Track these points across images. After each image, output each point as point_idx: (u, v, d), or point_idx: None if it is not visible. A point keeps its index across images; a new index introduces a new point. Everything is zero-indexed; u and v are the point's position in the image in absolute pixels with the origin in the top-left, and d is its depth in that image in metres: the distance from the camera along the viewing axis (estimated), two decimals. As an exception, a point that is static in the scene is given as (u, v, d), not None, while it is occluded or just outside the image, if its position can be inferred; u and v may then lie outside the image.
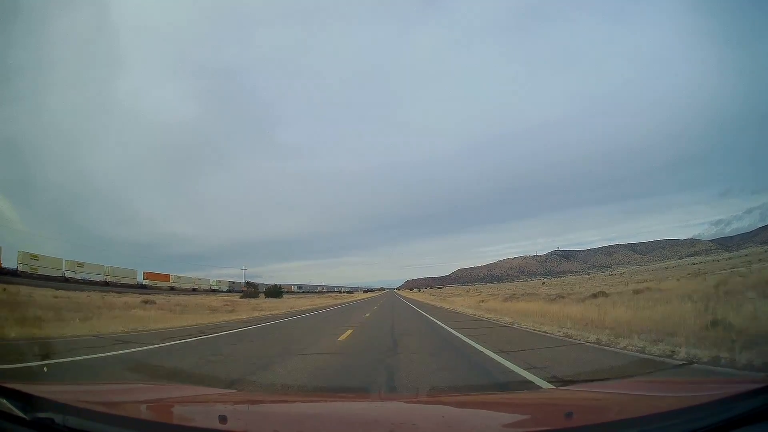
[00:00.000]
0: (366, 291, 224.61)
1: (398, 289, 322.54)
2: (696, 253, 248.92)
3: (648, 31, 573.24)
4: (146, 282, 60.20)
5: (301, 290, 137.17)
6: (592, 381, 4.48)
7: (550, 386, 4.33)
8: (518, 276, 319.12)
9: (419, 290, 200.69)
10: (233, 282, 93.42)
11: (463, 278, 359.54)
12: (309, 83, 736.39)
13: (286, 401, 2.80)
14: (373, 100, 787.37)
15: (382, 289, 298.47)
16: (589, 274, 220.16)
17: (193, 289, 68.33)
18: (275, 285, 68.69)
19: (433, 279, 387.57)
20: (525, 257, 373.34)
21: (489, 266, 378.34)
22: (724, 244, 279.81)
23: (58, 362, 6.05)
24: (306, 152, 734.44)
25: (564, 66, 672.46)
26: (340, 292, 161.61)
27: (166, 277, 67.34)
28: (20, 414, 1.38)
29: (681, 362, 5.11)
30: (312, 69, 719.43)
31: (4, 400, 1.40)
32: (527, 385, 4.57)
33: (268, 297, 52.70)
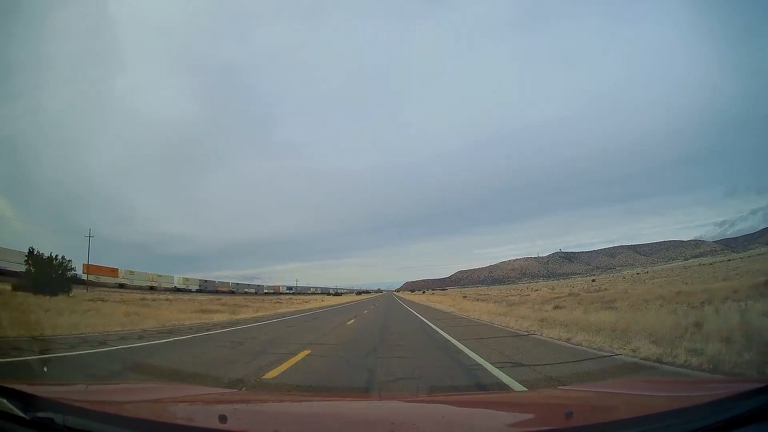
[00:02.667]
0: (359, 293, 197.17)
1: (397, 291, 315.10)
2: (701, 255, 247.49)
3: (650, 28, 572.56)
4: (86, 276, 50.51)
5: (291, 291, 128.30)
6: (591, 381, 4.47)
7: None
8: (520, 278, 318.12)
9: (423, 292, 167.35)
10: (206, 281, 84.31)
11: (463, 280, 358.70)
12: (309, 81, 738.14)
13: (286, 401, 2.79)
14: (373, 99, 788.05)
15: (379, 290, 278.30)
16: (594, 275, 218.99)
17: (151, 288, 60.06)
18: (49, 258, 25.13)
19: (433, 281, 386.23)
20: (527, 259, 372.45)
21: (490, 268, 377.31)
22: (729, 245, 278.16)
23: None
24: (305, 151, 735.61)
25: (565, 64, 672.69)
26: (328, 294, 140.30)
27: (114, 272, 58.25)
28: (20, 414, 1.39)
29: None
30: (312, 66, 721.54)
31: (4, 400, 1.40)
32: (528, 386, 4.57)
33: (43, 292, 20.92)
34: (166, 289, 63.08)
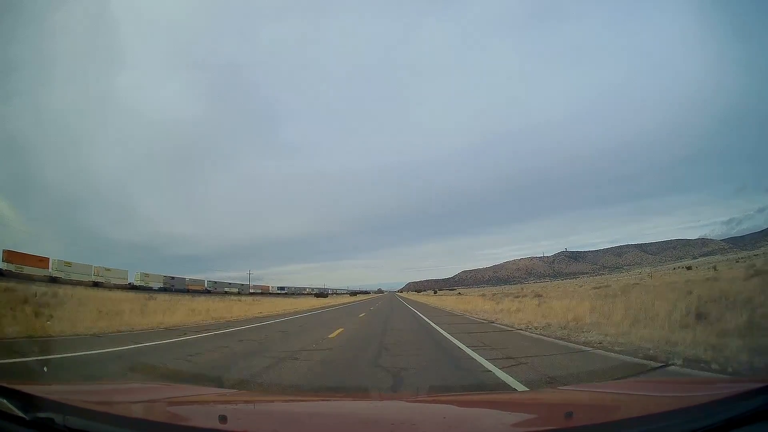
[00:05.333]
0: (354, 293, 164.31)
1: (400, 291, 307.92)
2: (710, 253, 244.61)
3: (656, 25, 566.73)
4: (5, 266, 42.88)
5: (284, 291, 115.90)
6: (592, 381, 4.45)
7: None
8: (525, 278, 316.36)
9: (435, 292, 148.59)
10: (172, 278, 72.45)
11: (467, 280, 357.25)
12: (312, 80, 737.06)
13: (286, 401, 2.81)
14: (377, 98, 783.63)
15: (379, 290, 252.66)
16: (601, 274, 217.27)
17: (96, 284, 49.99)
18: None
19: (436, 281, 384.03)
20: (532, 258, 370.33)
21: (495, 268, 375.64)
22: (736, 243, 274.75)
23: None
24: (308, 151, 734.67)
25: (569, 62, 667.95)
26: (324, 295, 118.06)
27: (43, 262, 48.67)
28: (20, 414, 1.40)
29: None
30: (316, 65, 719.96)
31: (4, 400, 1.41)
32: (528, 386, 4.55)
33: None
34: (117, 286, 51.89)
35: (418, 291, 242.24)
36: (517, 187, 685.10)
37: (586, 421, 1.54)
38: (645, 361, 5.63)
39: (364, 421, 1.96)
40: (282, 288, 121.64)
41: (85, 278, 52.37)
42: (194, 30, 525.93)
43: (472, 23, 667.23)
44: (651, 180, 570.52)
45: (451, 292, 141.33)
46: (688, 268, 65.36)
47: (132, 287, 56.91)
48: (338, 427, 1.85)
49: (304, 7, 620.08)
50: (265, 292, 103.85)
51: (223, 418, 1.59)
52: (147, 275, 66.96)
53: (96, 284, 49.94)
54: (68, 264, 52.42)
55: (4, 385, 1.49)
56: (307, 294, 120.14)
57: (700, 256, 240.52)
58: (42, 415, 1.40)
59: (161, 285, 66.50)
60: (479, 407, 2.29)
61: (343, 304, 49.12)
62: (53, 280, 43.35)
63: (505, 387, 4.67)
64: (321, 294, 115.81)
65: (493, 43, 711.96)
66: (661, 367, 5.09)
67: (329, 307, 38.27)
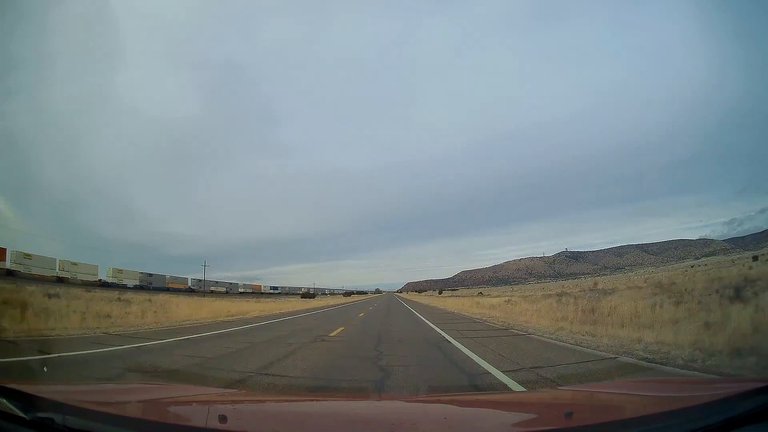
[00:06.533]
0: (348, 294, 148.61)
1: (399, 291, 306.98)
2: (712, 253, 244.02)
3: (659, 24, 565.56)
4: None
5: (277, 291, 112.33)
6: (591, 381, 4.45)
7: None
8: (526, 278, 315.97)
9: (439, 292, 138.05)
10: (150, 275, 65.96)
11: (467, 281, 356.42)
12: (311, 79, 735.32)
13: (286, 401, 2.80)
14: (378, 98, 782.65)
15: (378, 291, 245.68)
16: (603, 275, 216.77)
17: (60, 279, 45.41)
18: None
19: (435, 281, 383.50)
20: (532, 258, 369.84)
21: (494, 268, 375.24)
22: (737, 243, 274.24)
23: None
24: (307, 151, 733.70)
25: (569, 62, 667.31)
26: (302, 296, 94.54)
27: None
28: (20, 414, 1.40)
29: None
30: (316, 63, 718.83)
31: (4, 400, 1.41)
32: (528, 386, 4.56)
33: None
34: (85, 283, 46.44)
35: (420, 291, 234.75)
36: (517, 187, 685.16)
37: (586, 421, 1.54)
38: None
39: (364, 420, 1.96)
40: (275, 288, 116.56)
41: (48, 273, 47.65)
42: (194, 28, 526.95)
43: (472, 23, 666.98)
44: (652, 180, 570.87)
45: (453, 292, 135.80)
46: (754, 258, 60.00)
47: (103, 284, 51.46)
48: (338, 427, 1.85)
49: (304, 6, 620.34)
50: (257, 292, 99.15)
51: (223, 418, 1.59)
52: (120, 271, 60.52)
53: (60, 280, 45.18)
54: (28, 256, 46.98)
55: (4, 384, 1.49)
56: (302, 294, 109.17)
57: (703, 256, 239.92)
58: (42, 415, 1.40)
59: (137, 282, 60.79)
60: (479, 407, 2.29)
61: (321, 308, 35.69)
62: (9, 274, 38.48)
63: (505, 387, 4.66)
64: (307, 295, 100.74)
65: (494, 43, 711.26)
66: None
67: (299, 313, 26.33)
